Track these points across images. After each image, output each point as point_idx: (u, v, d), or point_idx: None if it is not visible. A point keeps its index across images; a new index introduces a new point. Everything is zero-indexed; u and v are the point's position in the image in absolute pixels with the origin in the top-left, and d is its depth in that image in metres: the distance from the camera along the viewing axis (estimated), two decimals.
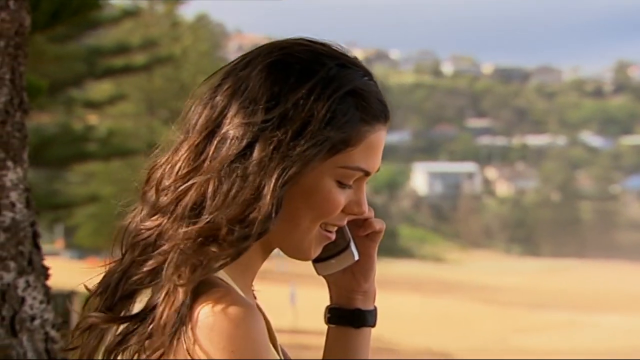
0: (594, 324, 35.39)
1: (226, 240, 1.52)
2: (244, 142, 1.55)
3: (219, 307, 1.47)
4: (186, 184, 1.55)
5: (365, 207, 1.66)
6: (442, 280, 58.76)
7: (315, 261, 1.73)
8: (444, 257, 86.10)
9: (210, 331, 1.46)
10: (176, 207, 1.55)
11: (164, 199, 1.57)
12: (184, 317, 1.48)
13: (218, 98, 1.59)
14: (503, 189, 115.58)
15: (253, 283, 1.74)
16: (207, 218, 1.52)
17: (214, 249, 1.51)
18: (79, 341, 1.59)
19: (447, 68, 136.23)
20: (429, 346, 27.52)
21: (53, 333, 2.53)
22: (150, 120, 36.57)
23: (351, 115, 1.59)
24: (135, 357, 1.51)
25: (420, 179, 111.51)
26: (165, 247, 1.53)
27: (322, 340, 1.78)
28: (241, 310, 1.48)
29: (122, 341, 1.52)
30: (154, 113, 37.87)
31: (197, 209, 1.54)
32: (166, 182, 1.58)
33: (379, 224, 1.75)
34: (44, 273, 2.60)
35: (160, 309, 1.49)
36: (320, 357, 1.79)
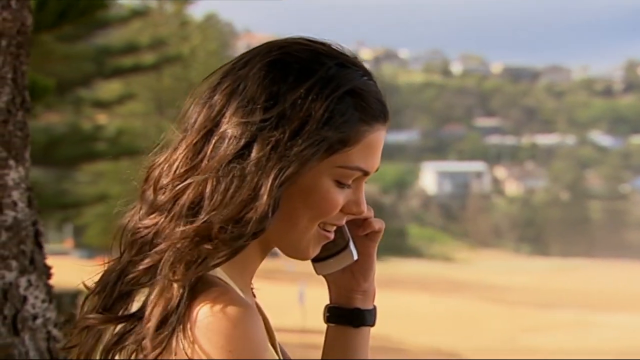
0: (603, 323, 35.33)
1: (221, 239, 1.51)
2: (242, 142, 1.55)
3: (217, 307, 1.47)
4: (184, 183, 1.56)
5: (364, 207, 1.66)
6: (451, 280, 58.71)
7: (315, 260, 1.73)
8: (452, 256, 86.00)
9: (209, 331, 1.46)
10: (173, 206, 1.55)
11: (161, 198, 1.57)
12: (181, 316, 1.48)
13: (216, 97, 1.60)
14: (512, 188, 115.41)
15: (252, 281, 1.75)
16: (203, 217, 1.52)
17: (209, 246, 1.51)
18: (78, 340, 1.60)
19: (456, 67, 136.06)
20: (437, 346, 27.50)
21: (55, 332, 2.53)
22: (159, 120, 36.57)
23: (349, 115, 1.59)
24: (133, 357, 1.50)
25: (429, 178, 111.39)
26: (162, 246, 1.53)
27: None
28: (239, 310, 1.48)
29: (119, 340, 1.52)
30: (163, 112, 37.88)
31: (194, 208, 1.54)
32: (164, 181, 1.58)
33: (378, 224, 1.76)
34: (46, 272, 2.61)
35: (154, 305, 1.49)
36: None
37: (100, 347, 1.57)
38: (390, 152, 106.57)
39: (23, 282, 2.51)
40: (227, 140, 1.55)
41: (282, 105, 1.56)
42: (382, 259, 68.14)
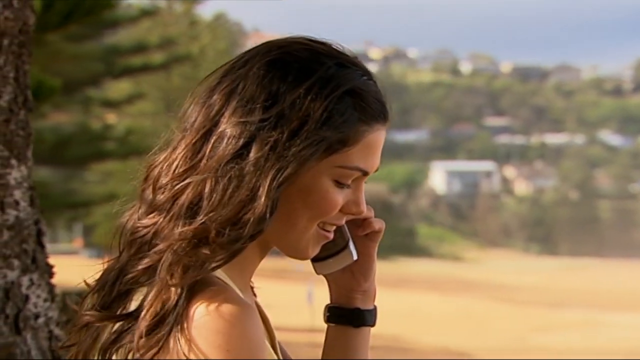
0: (612, 323, 35.25)
1: (219, 243, 1.51)
2: (241, 142, 1.54)
3: (214, 306, 1.47)
4: (182, 183, 1.55)
5: (364, 207, 1.66)
6: (460, 279, 58.67)
7: (314, 260, 1.73)
8: (462, 256, 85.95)
9: (206, 330, 1.46)
10: (172, 205, 1.55)
11: (160, 197, 1.57)
12: (179, 316, 1.47)
13: (216, 97, 1.59)
14: (521, 187, 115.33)
15: (254, 281, 1.74)
16: (202, 219, 1.52)
17: (206, 250, 1.50)
18: (77, 338, 1.59)
19: (466, 67, 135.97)
20: (446, 345, 27.47)
21: (57, 331, 2.53)
22: (168, 119, 36.60)
23: (348, 115, 1.58)
24: (130, 356, 1.50)
25: (439, 177, 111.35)
26: (160, 246, 1.53)
27: None
28: (237, 309, 1.47)
29: (116, 339, 1.52)
30: (172, 112, 37.95)
31: (193, 208, 1.54)
32: (163, 180, 1.58)
33: (378, 224, 1.76)
34: (49, 271, 2.60)
35: (150, 306, 1.49)
36: None
37: (98, 346, 1.56)
38: (400, 152, 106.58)
39: (25, 281, 2.51)
40: (225, 140, 1.55)
41: (281, 105, 1.55)
42: (391, 259, 68.18)
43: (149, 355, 1.48)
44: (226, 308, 1.47)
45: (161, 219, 1.56)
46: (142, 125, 33.26)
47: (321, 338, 1.83)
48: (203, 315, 1.47)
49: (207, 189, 1.53)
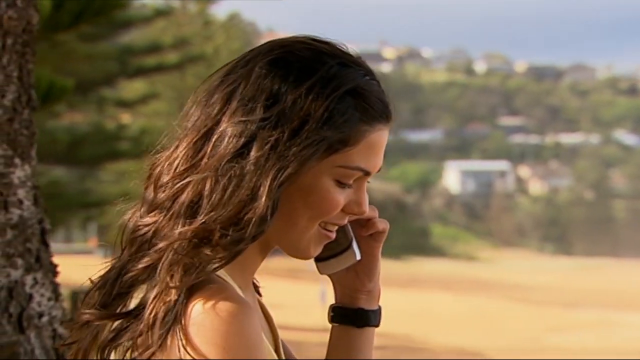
0: (627, 323, 35.11)
1: (220, 244, 1.51)
2: (242, 141, 1.54)
3: (212, 304, 1.47)
4: (183, 182, 1.55)
5: (366, 207, 1.65)
6: (475, 279, 58.51)
7: (317, 260, 1.73)
8: (476, 255, 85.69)
9: (203, 327, 1.46)
10: (173, 204, 1.55)
11: (161, 196, 1.57)
12: (178, 315, 1.47)
13: (218, 95, 1.59)
14: (536, 187, 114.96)
15: (258, 279, 1.74)
16: (202, 219, 1.52)
17: (207, 251, 1.50)
18: (77, 336, 1.59)
19: (480, 66, 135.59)
20: (460, 345, 27.41)
21: (61, 330, 2.52)
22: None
23: (350, 115, 1.58)
24: (128, 355, 1.50)
25: (453, 177, 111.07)
26: (160, 245, 1.53)
27: None
28: (235, 307, 1.47)
29: (115, 337, 1.52)
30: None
31: (193, 207, 1.53)
32: (164, 179, 1.58)
33: (382, 224, 1.75)
34: (53, 270, 2.60)
35: (152, 308, 1.48)
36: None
37: (97, 344, 1.56)
38: (414, 152, 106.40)
39: (29, 280, 2.50)
40: (227, 139, 1.55)
41: (282, 104, 1.55)
42: (405, 259, 68.05)
43: (147, 353, 1.48)
44: (224, 306, 1.47)
45: (161, 218, 1.55)
46: (156, 125, 33.28)
47: None
48: (201, 313, 1.46)
49: (207, 188, 1.53)
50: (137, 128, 25.77)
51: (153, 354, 1.48)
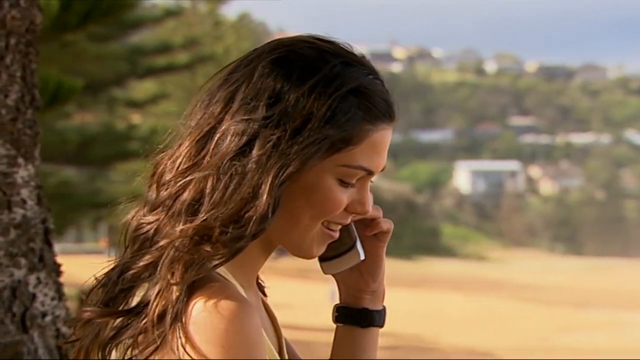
0: (638, 323, 35.03)
1: (220, 241, 1.51)
2: (244, 139, 1.54)
3: (213, 302, 1.47)
4: (185, 180, 1.55)
5: (369, 207, 1.65)
6: (485, 279, 58.44)
7: (322, 260, 1.73)
8: (486, 255, 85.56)
9: (203, 325, 1.46)
10: (174, 202, 1.55)
11: (163, 194, 1.57)
12: (179, 313, 1.47)
13: (221, 94, 1.59)
14: (547, 187, 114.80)
15: (263, 279, 1.74)
16: (203, 216, 1.52)
17: (208, 248, 1.50)
18: (80, 334, 1.60)
19: (490, 66, 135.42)
20: (470, 345, 27.38)
21: (65, 329, 2.52)
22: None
23: (353, 114, 1.57)
24: (128, 352, 1.50)
25: (463, 177, 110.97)
26: (162, 243, 1.53)
27: None
28: (235, 306, 1.47)
29: (115, 335, 1.52)
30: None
31: (195, 205, 1.54)
32: (167, 177, 1.59)
33: (386, 224, 1.74)
34: (56, 270, 2.60)
35: (153, 305, 1.48)
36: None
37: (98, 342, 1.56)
38: (424, 152, 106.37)
39: (32, 279, 2.51)
40: (229, 137, 1.55)
41: (285, 103, 1.55)
42: (415, 259, 68.01)
43: (147, 351, 1.48)
44: (224, 304, 1.47)
45: (163, 216, 1.56)
46: (167, 126, 33.17)
47: None
48: (201, 312, 1.46)
49: (208, 186, 1.53)
50: (148, 128, 25.81)
51: (153, 351, 1.48)
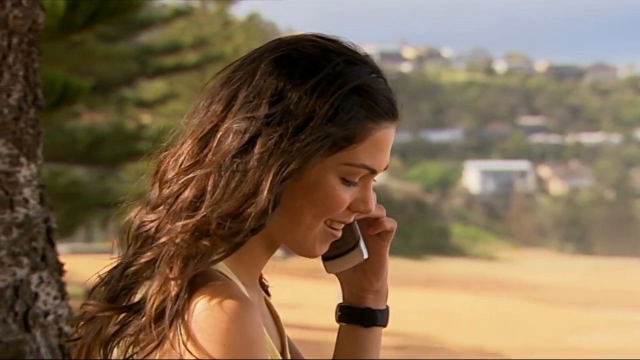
0: None
1: (219, 235, 1.51)
2: (246, 137, 1.54)
3: (214, 300, 1.47)
4: (187, 177, 1.56)
5: (372, 205, 1.65)
6: (494, 279, 58.34)
7: (325, 259, 1.73)
8: (496, 255, 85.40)
9: (205, 324, 1.46)
10: (176, 200, 1.56)
11: (166, 192, 1.58)
12: (180, 310, 1.47)
13: (224, 93, 1.60)
14: (556, 187, 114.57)
15: (267, 278, 1.74)
16: (203, 212, 1.52)
17: (206, 242, 1.50)
18: (82, 332, 1.60)
19: (500, 66, 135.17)
20: (480, 345, 27.34)
21: (67, 329, 2.52)
22: None
23: (355, 112, 1.58)
24: (130, 350, 1.50)
25: (473, 177, 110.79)
26: (163, 240, 1.53)
27: None
28: (237, 305, 1.47)
29: (117, 332, 1.53)
30: None
31: (197, 202, 1.54)
32: (169, 175, 1.59)
33: (390, 223, 1.75)
34: (59, 269, 2.60)
35: (151, 300, 1.49)
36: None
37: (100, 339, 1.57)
38: (434, 151, 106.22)
39: (34, 278, 2.50)
40: (231, 135, 1.55)
41: (287, 101, 1.55)
42: (425, 258, 67.90)
43: (149, 348, 1.48)
44: (226, 303, 1.47)
45: (165, 213, 1.56)
46: (176, 125, 33.35)
47: None
48: (203, 310, 1.47)
49: (210, 184, 1.54)
50: (157, 128, 25.85)
51: (154, 349, 1.48)
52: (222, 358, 1.45)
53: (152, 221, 1.58)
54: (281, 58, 1.59)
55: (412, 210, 77.02)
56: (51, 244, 2.58)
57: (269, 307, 1.74)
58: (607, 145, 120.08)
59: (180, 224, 1.53)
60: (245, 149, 1.54)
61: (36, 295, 2.51)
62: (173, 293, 1.49)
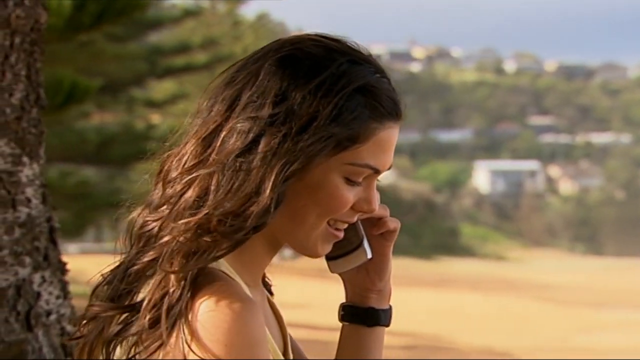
0: None
1: (220, 232, 1.51)
2: (250, 136, 1.55)
3: (218, 300, 1.47)
4: (190, 177, 1.56)
5: (375, 205, 1.65)
6: (504, 279, 58.27)
7: (328, 258, 1.73)
8: (506, 255, 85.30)
9: (208, 324, 1.46)
10: (179, 199, 1.56)
11: (169, 191, 1.58)
12: (182, 310, 1.47)
13: (227, 92, 1.60)
14: (566, 187, 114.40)
15: (270, 278, 1.74)
16: (206, 210, 1.52)
17: (208, 239, 1.51)
18: (85, 331, 1.60)
19: (510, 66, 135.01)
20: (489, 345, 27.32)
21: (69, 328, 2.53)
22: None
23: (359, 112, 1.58)
24: (133, 349, 1.51)
25: (482, 177, 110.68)
26: (165, 239, 1.54)
27: None
28: (239, 305, 1.47)
29: (120, 331, 1.53)
30: None
31: (200, 202, 1.54)
32: (173, 174, 1.60)
33: (393, 223, 1.75)
34: (61, 268, 2.60)
35: (152, 297, 1.50)
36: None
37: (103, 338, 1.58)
38: (443, 151, 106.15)
39: (37, 278, 2.51)
40: (235, 135, 1.56)
41: (291, 101, 1.56)
42: (434, 258, 67.87)
43: (152, 348, 1.48)
44: (229, 303, 1.47)
45: (168, 213, 1.57)
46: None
47: None
48: (206, 310, 1.47)
49: (213, 183, 1.54)
50: (167, 128, 25.87)
51: (157, 349, 1.48)
52: (224, 358, 1.45)
53: (155, 220, 1.58)
54: (285, 58, 1.59)
55: (421, 210, 76.99)
56: (54, 243, 2.59)
57: (272, 306, 1.74)
58: (617, 145, 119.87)
59: (182, 222, 1.53)
60: (249, 148, 1.54)
61: (38, 295, 2.51)
62: (176, 292, 1.49)
